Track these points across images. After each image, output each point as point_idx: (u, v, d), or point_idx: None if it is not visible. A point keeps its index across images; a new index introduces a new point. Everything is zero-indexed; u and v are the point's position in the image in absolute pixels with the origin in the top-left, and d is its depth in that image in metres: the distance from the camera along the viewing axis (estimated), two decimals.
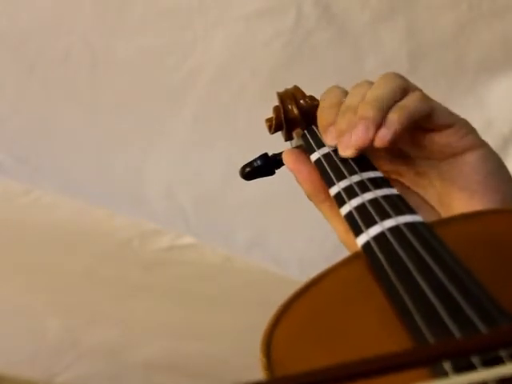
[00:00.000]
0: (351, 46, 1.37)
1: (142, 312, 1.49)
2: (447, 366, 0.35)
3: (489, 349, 0.35)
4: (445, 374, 0.34)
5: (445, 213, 0.56)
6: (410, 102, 0.54)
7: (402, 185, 0.58)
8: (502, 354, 0.35)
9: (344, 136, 0.53)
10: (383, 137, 0.51)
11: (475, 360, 0.34)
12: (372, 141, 0.52)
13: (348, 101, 0.56)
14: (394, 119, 0.52)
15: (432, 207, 0.57)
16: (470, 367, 0.34)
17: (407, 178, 0.58)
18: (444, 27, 1.35)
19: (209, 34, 1.36)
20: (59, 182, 1.36)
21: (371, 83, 0.57)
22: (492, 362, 0.34)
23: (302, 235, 1.38)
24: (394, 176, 0.59)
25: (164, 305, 1.47)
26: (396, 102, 0.53)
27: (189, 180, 1.41)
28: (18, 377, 1.57)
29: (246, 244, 1.39)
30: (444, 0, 1.34)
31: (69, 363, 1.57)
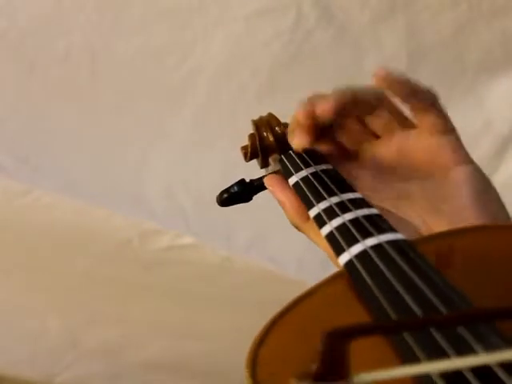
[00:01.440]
0: (351, 46, 1.37)
1: (141, 312, 1.49)
2: (420, 354, 0.35)
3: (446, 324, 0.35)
4: (416, 361, 0.35)
5: (428, 233, 0.56)
6: (422, 85, 0.56)
7: (382, 209, 0.58)
8: (476, 347, 0.35)
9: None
10: (384, 71, 0.53)
11: (449, 350, 0.35)
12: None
13: None
14: (403, 78, 0.54)
15: (414, 228, 0.56)
16: (443, 355, 0.35)
17: (388, 201, 0.58)
18: (444, 27, 1.35)
19: (209, 33, 1.36)
20: (59, 181, 1.36)
21: None
22: (466, 352, 0.35)
23: (300, 235, 1.38)
24: (374, 200, 0.58)
25: (164, 304, 1.47)
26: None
27: (188, 180, 1.41)
28: (18, 377, 1.57)
29: (245, 244, 1.39)
30: (444, 0, 1.34)
31: (68, 363, 1.57)
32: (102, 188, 1.37)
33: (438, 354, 0.35)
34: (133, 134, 1.41)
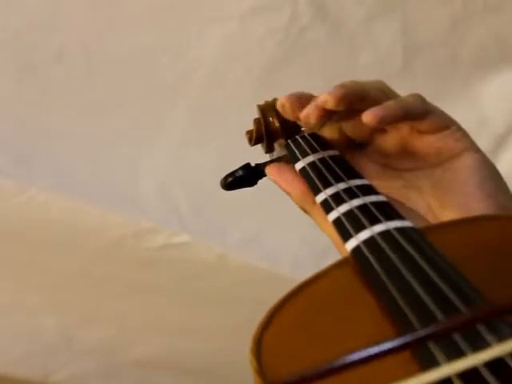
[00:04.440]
0: (346, 44, 1.37)
1: (137, 310, 1.49)
2: (439, 356, 0.35)
3: (469, 325, 0.35)
4: (436, 363, 0.35)
5: (435, 222, 0.56)
6: (407, 97, 0.54)
7: (388, 198, 0.58)
8: (489, 338, 0.35)
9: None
10: (373, 111, 0.51)
11: (464, 346, 0.35)
12: (342, 99, 0.52)
13: None
14: (390, 103, 0.52)
15: (422, 218, 0.56)
16: (460, 354, 0.35)
17: (395, 191, 0.58)
18: (438, 24, 1.35)
19: (203, 32, 1.36)
20: (54, 180, 1.35)
21: None
22: (480, 346, 0.35)
23: (295, 233, 1.38)
24: (380, 189, 0.58)
25: (159, 303, 1.47)
26: (373, 93, 0.54)
27: (183, 178, 1.41)
28: (13, 375, 1.57)
29: (239, 242, 1.39)
30: None
31: (64, 362, 1.57)
32: (97, 187, 1.37)
33: (457, 354, 0.35)
34: (127, 133, 1.41)
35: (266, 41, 1.36)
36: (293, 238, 1.39)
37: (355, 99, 0.53)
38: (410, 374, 0.34)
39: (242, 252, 1.38)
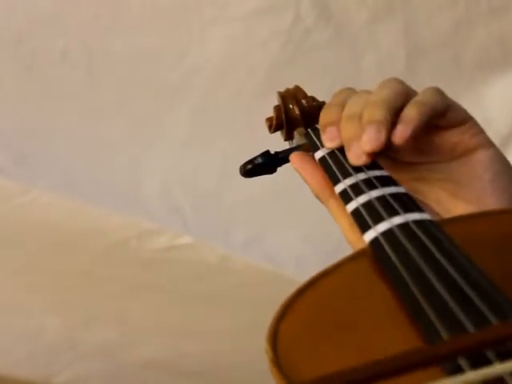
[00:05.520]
0: (349, 46, 1.37)
1: (139, 311, 1.49)
2: (463, 362, 0.35)
3: (503, 341, 0.35)
4: (461, 371, 0.34)
5: (447, 216, 0.56)
6: (427, 96, 0.53)
7: None
8: None
9: (353, 145, 0.52)
10: (402, 133, 0.50)
11: (490, 354, 0.34)
12: (384, 144, 0.51)
13: (350, 108, 0.54)
14: (413, 114, 0.51)
15: (432, 211, 0.56)
16: (486, 362, 0.34)
17: (407, 183, 0.58)
18: (441, 26, 1.35)
19: (206, 33, 1.36)
20: (57, 181, 1.36)
21: (369, 91, 0.57)
22: (506, 355, 0.34)
23: (299, 234, 1.38)
24: None
25: (162, 304, 1.47)
26: (399, 104, 0.53)
27: (186, 179, 1.41)
28: (15, 377, 1.57)
29: (243, 243, 1.39)
30: None
31: (67, 363, 1.57)
32: (100, 187, 1.37)
33: (482, 361, 0.34)
34: (130, 134, 1.41)
35: (268, 43, 1.36)
36: (296, 238, 1.39)
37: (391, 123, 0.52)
38: (433, 378, 0.34)
39: (244, 253, 1.38)
